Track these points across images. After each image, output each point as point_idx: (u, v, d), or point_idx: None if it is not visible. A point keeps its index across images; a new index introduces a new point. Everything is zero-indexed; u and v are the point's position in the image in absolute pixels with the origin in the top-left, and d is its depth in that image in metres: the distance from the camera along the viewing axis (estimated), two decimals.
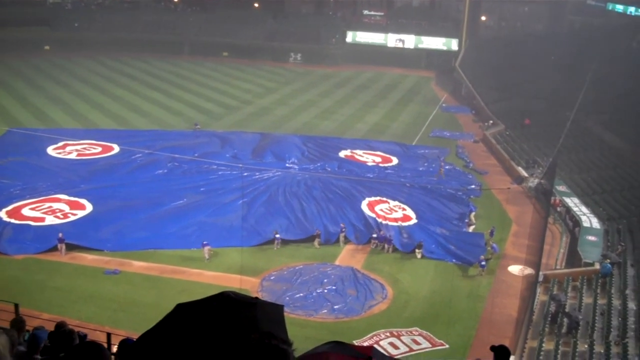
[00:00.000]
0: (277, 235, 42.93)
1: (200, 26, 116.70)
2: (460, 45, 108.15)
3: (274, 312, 6.44)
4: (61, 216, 44.04)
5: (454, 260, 41.88)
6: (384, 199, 49.85)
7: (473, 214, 48.89)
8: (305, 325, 33.40)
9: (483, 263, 40.20)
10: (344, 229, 44.19)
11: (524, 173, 58.36)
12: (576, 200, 50.91)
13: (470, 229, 47.26)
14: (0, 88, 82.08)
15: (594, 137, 65.39)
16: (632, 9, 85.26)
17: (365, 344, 31.72)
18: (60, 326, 9.23)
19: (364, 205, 48.18)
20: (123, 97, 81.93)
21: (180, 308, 6.40)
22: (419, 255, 41.94)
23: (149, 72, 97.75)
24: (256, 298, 5.95)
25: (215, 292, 5.11)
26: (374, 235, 43.81)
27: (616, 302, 34.79)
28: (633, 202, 50.05)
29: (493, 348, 9.01)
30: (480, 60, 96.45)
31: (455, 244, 43.59)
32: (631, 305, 34.25)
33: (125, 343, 7.75)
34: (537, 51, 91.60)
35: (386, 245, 43.05)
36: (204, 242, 41.15)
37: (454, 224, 47.51)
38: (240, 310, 5.98)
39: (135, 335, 6.10)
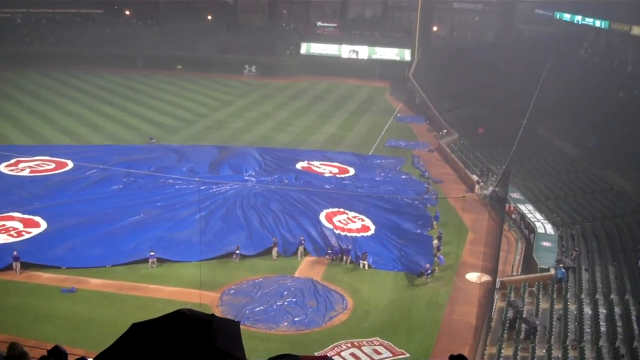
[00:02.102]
0: (238, 252, 42.72)
1: (153, 39, 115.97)
2: (413, 55, 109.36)
3: (231, 329, 6.44)
4: (15, 234, 43.20)
5: (401, 270, 42.20)
6: (343, 209, 50.08)
7: (436, 223, 49.21)
8: (266, 339, 33.36)
9: (428, 272, 40.52)
10: (302, 241, 44.21)
11: (479, 181, 59.14)
12: (530, 207, 51.73)
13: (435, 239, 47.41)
14: None
15: (547, 144, 66.62)
16: (578, 18, 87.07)
17: (328, 354, 31.84)
18: (12, 348, 9.06)
19: (322, 217, 48.31)
20: (76, 112, 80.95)
21: (136, 327, 6.36)
22: (363, 266, 42.12)
23: (102, 87, 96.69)
24: (212, 315, 5.97)
25: (175, 308, 5.14)
26: (330, 248, 43.87)
27: (572, 307, 35.42)
28: (586, 208, 51.07)
29: (452, 357, 9.08)
30: (433, 69, 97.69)
31: (408, 253, 43.94)
32: (587, 309, 34.93)
33: None
34: (489, 60, 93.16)
35: (344, 257, 43.17)
36: (151, 253, 41.00)
37: (411, 232, 47.88)
38: (196, 328, 5.99)
39: (92, 355, 6.07)
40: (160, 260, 41.64)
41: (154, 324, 6.46)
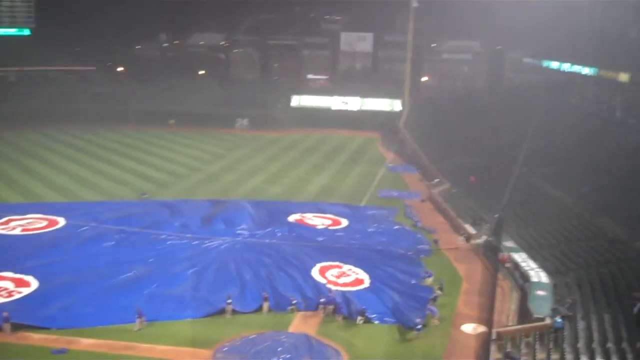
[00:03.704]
0: (229, 301, 42.33)
1: (146, 95, 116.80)
2: (403, 105, 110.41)
3: None
4: (5, 295, 42.76)
5: (395, 322, 41.76)
6: (336, 263, 49.84)
7: (431, 278, 48.76)
8: None
9: (419, 327, 40.06)
10: (294, 302, 43.74)
11: (472, 230, 59.07)
12: (524, 255, 51.50)
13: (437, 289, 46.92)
14: None
15: (538, 192, 66.69)
16: (566, 65, 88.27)
17: None
18: None
19: (315, 271, 48.06)
20: (69, 168, 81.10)
21: None
22: (359, 322, 41.67)
23: (94, 143, 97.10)
24: None
25: None
26: (322, 300, 43.45)
27: (569, 357, 35.02)
28: (579, 255, 50.89)
29: None
30: (423, 119, 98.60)
31: (401, 305, 43.52)
32: (583, 359, 34.55)
33: None
34: (479, 108, 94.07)
35: (336, 313, 42.71)
36: (138, 312, 40.13)
37: (405, 284, 47.52)
38: None
39: None
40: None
41: None
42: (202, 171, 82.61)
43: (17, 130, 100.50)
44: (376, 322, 41.81)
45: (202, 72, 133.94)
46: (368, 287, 46.21)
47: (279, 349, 38.08)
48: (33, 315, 40.49)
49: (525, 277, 47.61)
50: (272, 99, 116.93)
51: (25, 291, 43.57)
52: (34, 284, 44.61)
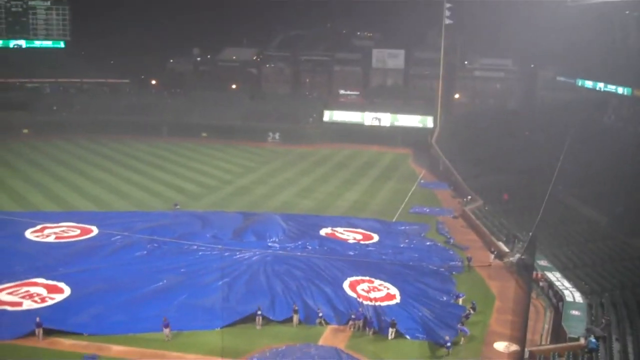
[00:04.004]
0: (259, 312, 42.24)
1: (179, 108, 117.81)
2: (435, 122, 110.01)
3: None
4: (39, 300, 43.17)
5: (425, 338, 41.27)
6: (367, 277, 49.51)
7: (461, 299, 48.02)
8: None
9: (449, 345, 39.50)
10: (320, 314, 43.46)
11: (505, 248, 58.43)
12: (558, 274, 50.82)
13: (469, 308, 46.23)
14: None
15: (572, 211, 65.90)
16: (600, 85, 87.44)
17: None
18: None
19: (345, 285, 47.78)
20: (102, 179, 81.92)
21: None
22: (391, 335, 41.24)
23: (127, 154, 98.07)
24: None
25: None
26: (353, 317, 43.11)
27: None
28: (614, 275, 50.09)
29: None
30: (455, 136, 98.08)
31: (432, 322, 43.02)
32: None
33: None
34: (512, 126, 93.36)
35: (367, 328, 42.34)
36: (165, 321, 39.98)
37: (437, 301, 47.04)
38: None
39: None
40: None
41: None
42: (233, 184, 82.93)
43: (51, 141, 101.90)
44: (406, 337, 41.38)
45: (234, 86, 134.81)
46: (399, 303, 45.78)
47: None
48: (65, 321, 40.77)
49: (559, 296, 46.94)
50: (304, 114, 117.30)
51: (58, 297, 43.92)
52: (66, 290, 44.98)
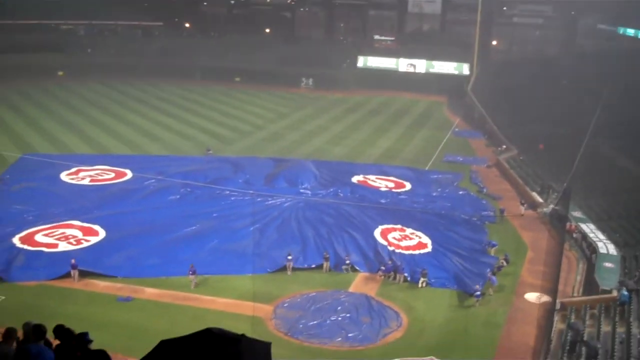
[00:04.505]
0: (290, 257, 42.56)
1: (212, 52, 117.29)
2: (471, 69, 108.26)
3: (260, 349, 6.32)
4: (74, 242, 43.91)
5: (455, 287, 41.32)
6: (399, 226, 49.42)
7: (494, 249, 47.56)
8: (319, 354, 33.01)
9: (478, 294, 39.41)
10: (347, 261, 43.61)
11: (539, 198, 57.86)
12: (592, 226, 50.32)
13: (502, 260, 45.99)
14: (14, 114, 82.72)
15: (609, 162, 64.81)
16: None
17: None
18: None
19: (377, 233, 47.77)
20: (135, 122, 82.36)
21: (164, 345, 6.34)
22: (422, 284, 41.31)
23: (161, 97, 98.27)
24: (242, 335, 5.78)
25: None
26: (382, 268, 43.23)
27: (635, 331, 34.10)
28: None
29: None
30: (492, 84, 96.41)
31: (463, 272, 42.96)
32: None
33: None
34: (549, 75, 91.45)
35: (397, 275, 42.45)
36: (191, 268, 40.03)
37: (468, 250, 46.89)
38: (225, 346, 5.85)
39: None
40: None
41: (182, 342, 6.42)
42: (266, 129, 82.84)
43: (86, 83, 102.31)
44: (437, 286, 41.45)
45: (267, 30, 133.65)
46: (430, 252, 45.76)
47: (338, 308, 38.23)
48: (100, 263, 41.51)
49: (592, 248, 46.56)
50: (338, 59, 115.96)
51: (93, 240, 44.61)
52: (101, 233, 45.64)
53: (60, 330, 9.53)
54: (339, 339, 35.06)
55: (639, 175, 59.84)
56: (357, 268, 43.51)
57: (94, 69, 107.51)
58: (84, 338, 9.75)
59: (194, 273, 39.97)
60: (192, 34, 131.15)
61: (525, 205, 55.99)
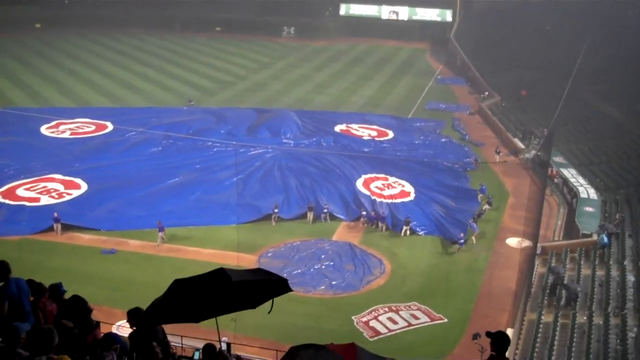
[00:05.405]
0: (276, 210, 42.62)
1: (191, 1, 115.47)
2: (454, 16, 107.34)
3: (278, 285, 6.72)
4: (56, 196, 43.74)
5: (438, 234, 41.65)
6: (382, 175, 49.46)
7: (481, 195, 47.22)
8: (303, 302, 33.28)
9: (462, 241, 39.77)
10: (325, 210, 43.69)
11: (521, 145, 58.07)
12: (573, 171, 50.69)
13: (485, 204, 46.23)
14: None
15: (591, 108, 65.01)
16: None
17: (364, 319, 31.84)
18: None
19: (359, 183, 47.79)
20: (115, 74, 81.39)
21: (178, 283, 6.68)
22: (405, 233, 41.56)
23: (141, 49, 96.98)
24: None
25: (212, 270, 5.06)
26: (364, 213, 43.38)
27: (614, 273, 34.68)
28: (630, 172, 49.87)
29: (490, 334, 8.56)
30: (475, 31, 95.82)
31: (445, 219, 43.24)
32: (629, 276, 34.16)
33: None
34: (532, 22, 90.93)
35: (380, 224, 42.68)
36: (159, 224, 39.41)
37: (451, 197, 47.08)
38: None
39: None
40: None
41: (196, 280, 6.73)
42: (247, 79, 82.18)
43: (64, 35, 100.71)
44: (420, 233, 41.76)
45: None
46: (413, 200, 45.95)
47: (322, 256, 38.51)
48: (83, 216, 41.45)
49: (573, 193, 46.97)
50: (320, 8, 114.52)
51: (75, 193, 44.45)
52: (83, 186, 45.44)
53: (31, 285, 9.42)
54: (323, 286, 35.37)
55: (621, 120, 60.14)
56: (337, 216, 43.66)
57: (71, 21, 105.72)
58: (58, 289, 9.76)
59: (161, 229, 39.33)
60: None
61: (500, 153, 55.98)
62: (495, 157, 55.38)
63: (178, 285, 6.62)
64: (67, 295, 10.12)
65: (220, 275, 6.46)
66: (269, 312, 6.98)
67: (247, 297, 6.58)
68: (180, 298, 6.53)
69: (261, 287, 6.57)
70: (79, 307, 9.32)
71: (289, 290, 6.74)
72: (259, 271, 6.55)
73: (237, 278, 6.50)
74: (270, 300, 6.82)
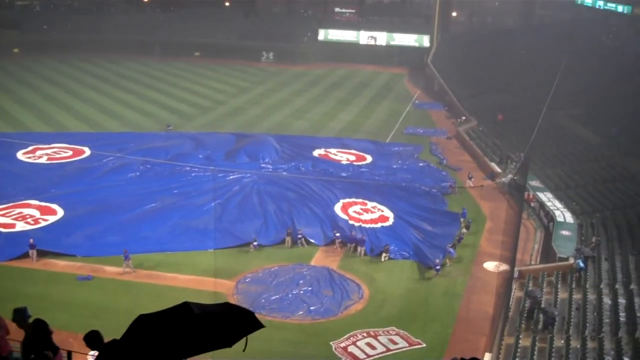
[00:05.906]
0: (255, 243, 42.40)
1: (170, 26, 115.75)
2: (432, 41, 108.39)
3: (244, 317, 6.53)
4: (32, 222, 43.34)
5: (416, 259, 41.70)
6: (361, 200, 49.53)
7: (463, 220, 47.39)
8: (281, 328, 33.15)
9: (438, 267, 39.85)
10: (299, 235, 43.64)
11: (497, 169, 58.51)
12: (549, 195, 51.09)
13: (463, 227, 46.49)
14: None
15: (567, 132, 65.66)
16: (600, 3, 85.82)
17: (343, 344, 31.82)
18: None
19: (337, 207, 47.81)
20: (94, 99, 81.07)
21: (143, 319, 6.45)
22: (384, 259, 41.59)
23: (119, 74, 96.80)
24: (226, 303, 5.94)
25: (190, 296, 5.10)
26: (337, 234, 43.39)
27: (591, 297, 34.90)
28: (606, 196, 50.36)
29: None
30: (452, 56, 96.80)
31: (423, 244, 43.34)
32: (606, 299, 34.35)
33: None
34: (509, 46, 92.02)
35: (359, 248, 42.67)
36: (125, 252, 38.70)
37: (429, 222, 47.20)
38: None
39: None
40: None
41: (160, 316, 6.51)
42: (226, 104, 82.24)
43: (42, 60, 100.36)
44: (398, 258, 41.81)
45: (227, 3, 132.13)
46: (391, 225, 46.02)
47: (300, 281, 38.44)
48: (58, 242, 41.10)
49: (550, 216, 47.31)
50: (298, 33, 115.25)
51: (51, 219, 44.08)
52: (59, 212, 45.09)
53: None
54: (301, 312, 35.26)
55: (596, 144, 60.79)
56: (312, 241, 43.60)
57: (50, 46, 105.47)
58: (23, 314, 9.74)
59: (127, 258, 38.68)
60: (150, 8, 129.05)
61: (472, 178, 56.22)
62: (468, 182, 55.63)
63: (142, 322, 6.40)
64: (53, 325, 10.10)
65: (185, 310, 6.31)
66: (243, 350, 6.90)
67: (220, 334, 6.42)
68: (145, 337, 6.31)
69: (231, 322, 6.46)
70: (42, 330, 9.29)
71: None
72: (226, 305, 6.40)
73: (202, 312, 6.37)
74: (244, 338, 6.70)
